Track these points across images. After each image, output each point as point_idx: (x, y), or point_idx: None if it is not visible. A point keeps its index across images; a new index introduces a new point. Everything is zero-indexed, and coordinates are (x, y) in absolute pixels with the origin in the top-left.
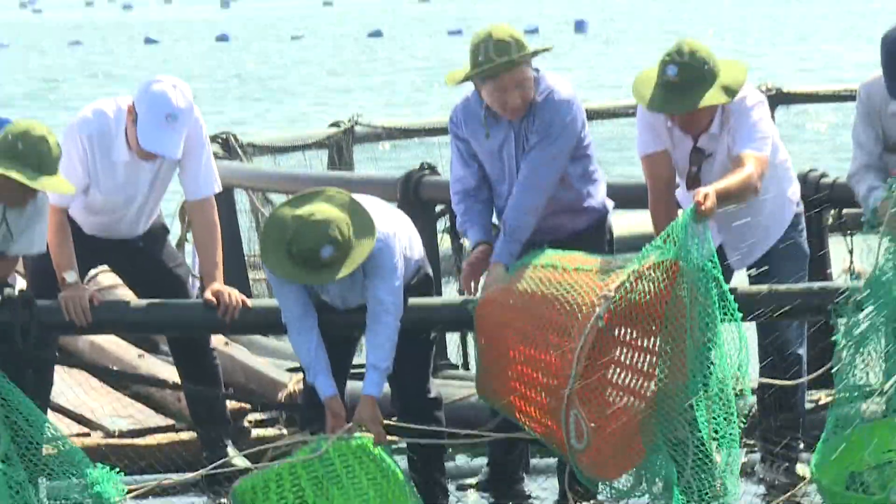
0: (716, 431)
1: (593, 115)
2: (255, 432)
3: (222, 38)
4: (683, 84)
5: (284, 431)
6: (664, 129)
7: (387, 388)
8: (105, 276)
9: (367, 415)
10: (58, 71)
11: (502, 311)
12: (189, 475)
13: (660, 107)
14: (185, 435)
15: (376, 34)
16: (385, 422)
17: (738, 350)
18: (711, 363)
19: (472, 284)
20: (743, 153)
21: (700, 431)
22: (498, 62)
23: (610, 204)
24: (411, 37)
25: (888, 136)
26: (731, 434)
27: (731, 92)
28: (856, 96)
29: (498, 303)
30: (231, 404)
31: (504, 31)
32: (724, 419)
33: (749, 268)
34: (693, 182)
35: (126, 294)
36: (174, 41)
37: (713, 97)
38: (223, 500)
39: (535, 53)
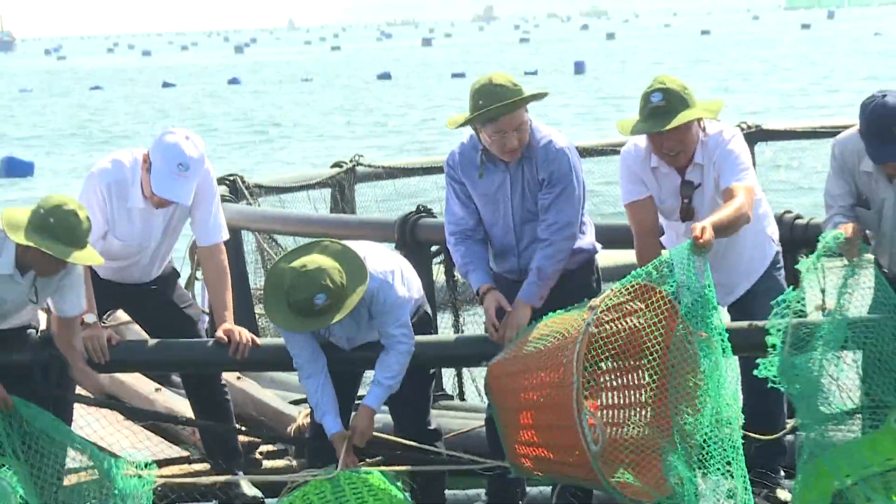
0: (727, 461)
1: (587, 152)
2: (266, 464)
3: (234, 81)
4: (668, 108)
5: (294, 463)
6: (648, 173)
7: (389, 419)
8: (123, 312)
9: (360, 423)
10: (80, 113)
11: (508, 364)
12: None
13: (650, 128)
14: (199, 466)
15: (385, 76)
16: (388, 448)
17: (730, 378)
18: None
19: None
20: (732, 185)
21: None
22: (497, 105)
23: (598, 246)
24: (418, 79)
25: (860, 191)
26: (739, 461)
27: (712, 111)
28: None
29: (506, 360)
30: (243, 437)
31: (503, 77)
32: (731, 448)
33: (731, 305)
34: (686, 214)
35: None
36: (190, 85)
37: (697, 112)
38: None
39: (533, 98)
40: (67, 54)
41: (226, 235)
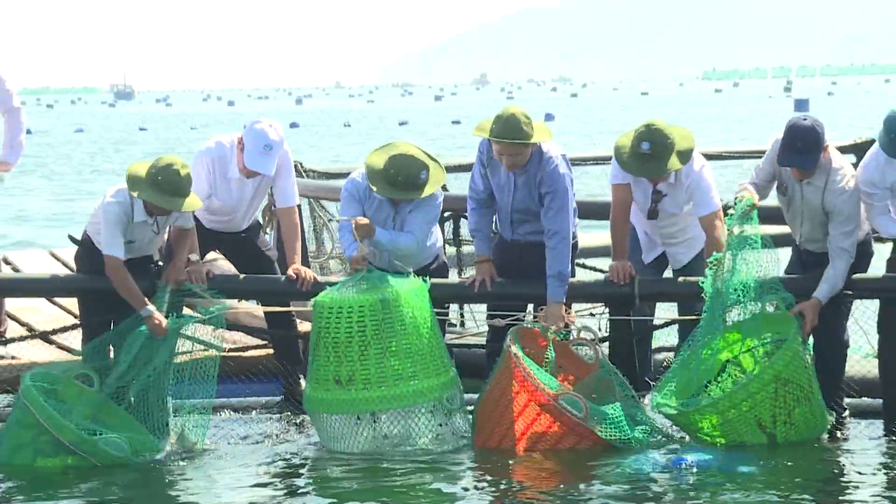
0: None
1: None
2: None
3: (294, 125)
4: (655, 155)
5: None
6: (630, 176)
7: None
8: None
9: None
10: (182, 144)
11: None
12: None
13: (638, 173)
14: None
15: (404, 123)
16: None
17: None
18: None
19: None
20: (706, 215)
21: None
22: (498, 139)
23: (577, 237)
24: (428, 125)
25: (782, 180)
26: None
27: (685, 157)
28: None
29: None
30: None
31: (519, 116)
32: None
33: (677, 270)
34: (652, 214)
35: (226, 266)
36: None
37: (674, 164)
38: (295, 420)
39: (524, 145)
40: (173, 103)
41: (298, 200)
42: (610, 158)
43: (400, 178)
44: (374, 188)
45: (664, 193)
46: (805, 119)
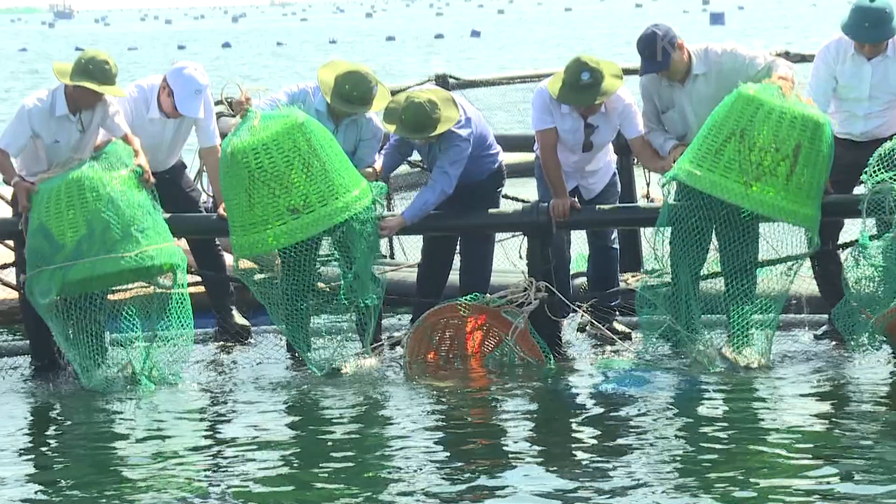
0: None
1: (496, 81)
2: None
3: (226, 45)
4: (593, 83)
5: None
6: (557, 113)
7: None
8: None
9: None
10: (121, 63)
11: None
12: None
13: (582, 103)
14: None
15: (333, 41)
16: None
17: None
18: None
19: None
20: (636, 138)
21: None
22: (411, 134)
23: (504, 166)
24: (360, 43)
25: (663, 103)
26: None
27: (620, 78)
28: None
29: None
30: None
31: (426, 106)
32: None
33: (591, 199)
34: (587, 146)
35: None
36: (196, 45)
37: (614, 85)
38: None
39: (431, 136)
40: (111, 22)
41: (219, 139)
42: (536, 77)
43: (355, 93)
44: (329, 101)
45: (596, 126)
46: (656, 25)
